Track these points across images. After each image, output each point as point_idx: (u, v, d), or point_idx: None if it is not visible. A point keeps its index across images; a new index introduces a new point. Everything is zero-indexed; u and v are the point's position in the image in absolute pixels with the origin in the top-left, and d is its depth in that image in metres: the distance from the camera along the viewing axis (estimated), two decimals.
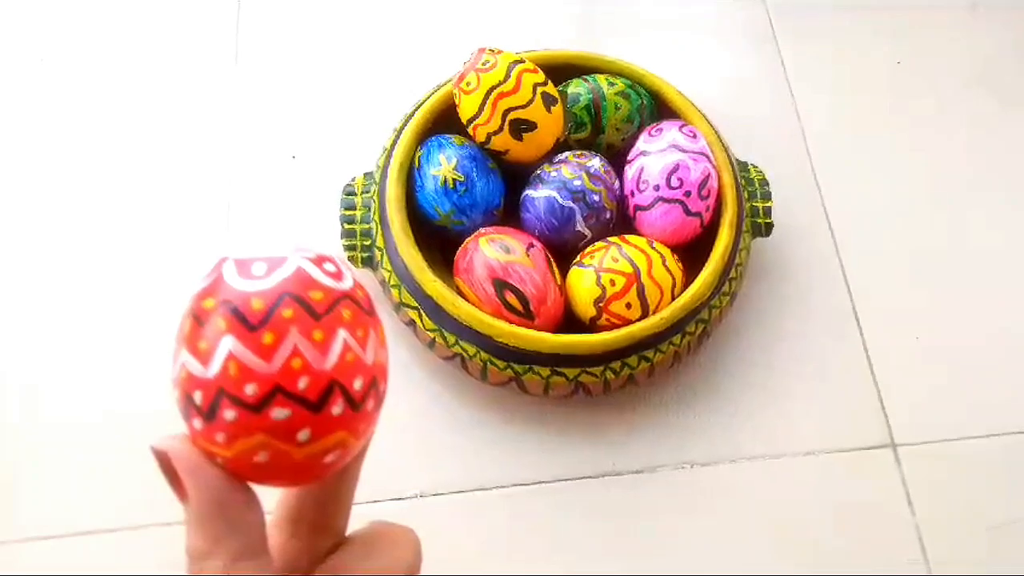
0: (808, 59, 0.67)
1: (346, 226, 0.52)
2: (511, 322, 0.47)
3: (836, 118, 0.65)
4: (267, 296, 0.20)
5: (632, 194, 0.51)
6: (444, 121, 0.53)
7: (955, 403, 0.54)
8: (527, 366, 0.48)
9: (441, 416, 0.52)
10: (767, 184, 0.56)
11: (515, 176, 0.52)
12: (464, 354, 0.48)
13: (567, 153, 0.52)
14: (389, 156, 0.52)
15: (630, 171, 0.52)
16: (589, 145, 0.55)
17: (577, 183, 0.50)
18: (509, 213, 0.52)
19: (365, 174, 0.54)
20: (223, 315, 0.19)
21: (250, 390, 0.19)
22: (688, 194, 0.50)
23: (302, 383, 0.19)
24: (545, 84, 0.50)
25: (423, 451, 0.51)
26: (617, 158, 0.54)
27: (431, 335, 0.49)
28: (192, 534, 0.19)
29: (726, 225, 0.51)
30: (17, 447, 0.49)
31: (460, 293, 0.48)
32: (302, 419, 0.19)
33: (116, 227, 0.56)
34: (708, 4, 0.70)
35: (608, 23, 0.68)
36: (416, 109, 0.54)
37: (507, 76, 0.49)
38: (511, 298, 0.47)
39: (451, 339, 0.48)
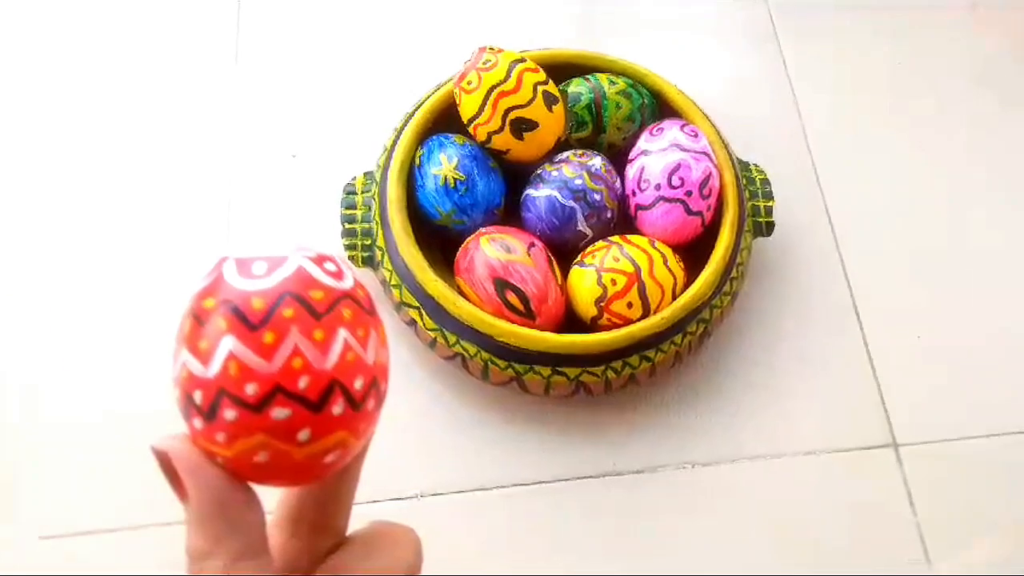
0: (809, 59, 0.67)
1: (347, 225, 0.52)
2: (512, 322, 0.47)
3: (837, 117, 0.65)
4: (268, 295, 0.20)
5: (633, 193, 0.51)
6: (445, 120, 0.53)
7: (957, 403, 0.54)
8: (528, 366, 0.48)
9: (442, 416, 0.52)
10: (768, 183, 0.56)
11: (516, 175, 0.52)
12: (465, 354, 0.48)
13: (568, 152, 0.52)
14: (390, 155, 0.52)
15: (631, 170, 0.52)
16: (590, 144, 0.54)
17: (578, 182, 0.50)
18: (510, 212, 0.52)
19: (366, 173, 0.54)
20: (223, 314, 0.19)
21: (250, 390, 0.19)
22: (689, 193, 0.50)
23: (303, 383, 0.19)
24: (546, 83, 0.50)
25: (424, 451, 0.50)
26: (618, 157, 0.53)
27: (432, 335, 0.49)
28: (192, 534, 0.19)
29: (727, 225, 0.51)
30: (17, 447, 0.49)
31: (461, 293, 0.48)
32: (302, 419, 0.19)
33: (116, 226, 0.56)
34: (709, 3, 0.70)
35: (609, 22, 0.68)
36: (417, 108, 0.54)
37: (508, 75, 0.49)
38: (512, 298, 0.47)
39: (452, 339, 0.48)
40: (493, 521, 0.49)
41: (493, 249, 0.47)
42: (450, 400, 0.52)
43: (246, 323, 0.19)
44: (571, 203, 0.49)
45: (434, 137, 0.52)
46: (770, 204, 0.55)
